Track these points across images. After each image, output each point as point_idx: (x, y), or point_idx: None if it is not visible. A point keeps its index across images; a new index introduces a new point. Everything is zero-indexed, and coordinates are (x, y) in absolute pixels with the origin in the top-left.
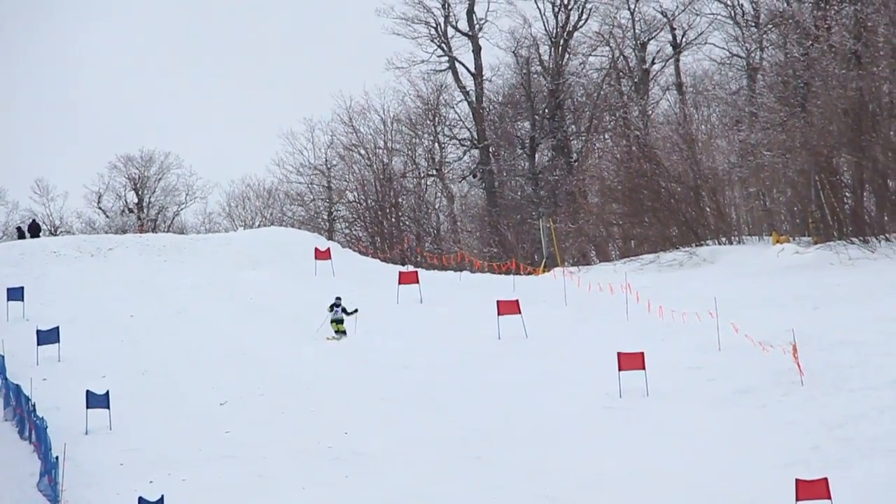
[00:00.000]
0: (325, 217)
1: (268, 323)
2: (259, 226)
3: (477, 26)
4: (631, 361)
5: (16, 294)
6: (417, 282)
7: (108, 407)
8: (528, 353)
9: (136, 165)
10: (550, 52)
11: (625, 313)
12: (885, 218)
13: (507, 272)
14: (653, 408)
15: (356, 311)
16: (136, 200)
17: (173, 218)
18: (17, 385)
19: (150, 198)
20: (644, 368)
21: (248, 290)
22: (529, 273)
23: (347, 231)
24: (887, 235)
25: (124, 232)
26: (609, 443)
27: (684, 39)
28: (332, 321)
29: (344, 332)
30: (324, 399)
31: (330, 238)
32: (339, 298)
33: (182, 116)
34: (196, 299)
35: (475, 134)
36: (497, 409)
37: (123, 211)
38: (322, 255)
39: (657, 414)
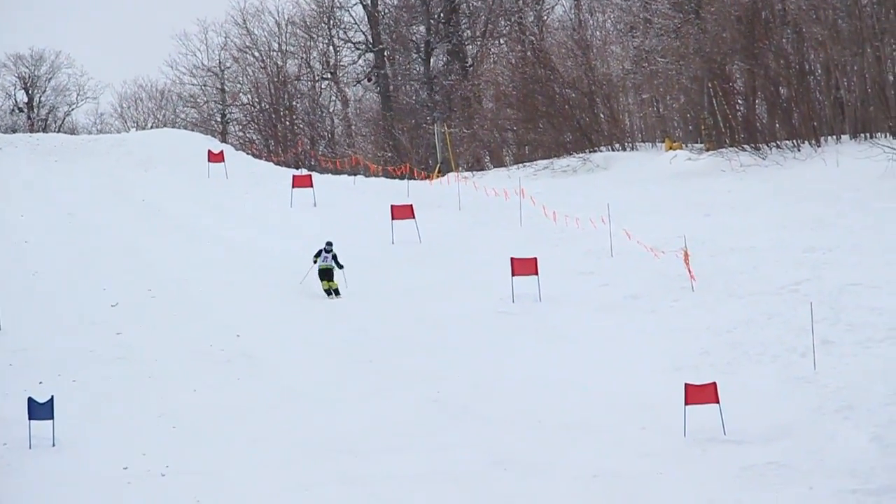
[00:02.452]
0: (219, 119)
1: (160, 225)
2: (152, 127)
3: None
4: (524, 266)
5: None
6: (311, 185)
7: None
8: (421, 258)
9: (25, 64)
10: None
11: (518, 219)
12: (777, 125)
13: (402, 177)
14: (545, 312)
15: (342, 266)
16: (25, 100)
17: (64, 118)
18: None
19: (40, 97)
20: (537, 273)
21: (140, 191)
22: (424, 178)
23: (241, 134)
24: (778, 143)
25: (14, 131)
26: (501, 347)
27: None
28: (319, 272)
29: (337, 292)
30: (216, 302)
31: (223, 141)
32: (329, 244)
33: (72, 15)
34: (87, 200)
35: (370, 38)
36: (389, 314)
37: (13, 110)
38: (215, 157)
39: (549, 319)
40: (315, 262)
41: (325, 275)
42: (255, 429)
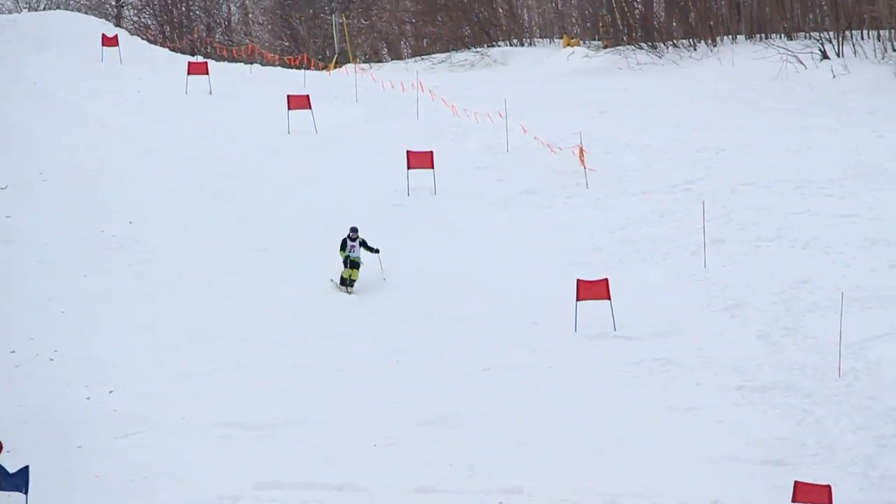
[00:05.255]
0: (113, 3)
1: (52, 108)
2: (44, 9)
3: None
4: (420, 160)
5: None
6: (207, 73)
7: None
8: (317, 149)
9: None
10: None
11: (415, 112)
12: (674, 24)
13: (299, 67)
14: (440, 206)
15: (378, 251)
16: None
17: None
18: None
19: None
20: (433, 167)
21: (32, 74)
22: (321, 69)
23: (136, 19)
24: (675, 41)
25: None
26: (395, 240)
27: None
28: (345, 261)
29: (352, 283)
30: (108, 187)
31: (118, 25)
32: (354, 230)
33: None
34: None
35: None
36: (284, 204)
37: None
38: (109, 41)
39: (444, 212)
40: (342, 254)
41: (351, 267)
42: (146, 315)
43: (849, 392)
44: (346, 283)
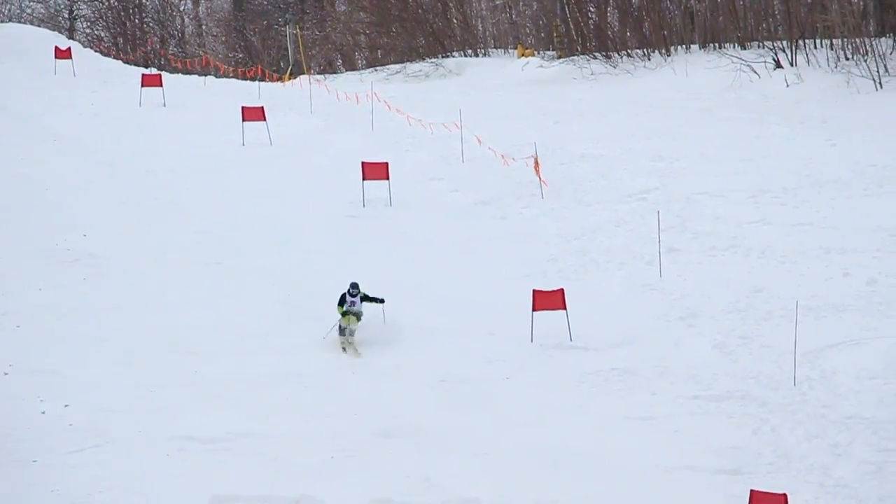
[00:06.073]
0: (66, 16)
1: (4, 120)
2: None
3: None
4: (375, 171)
5: None
6: (161, 85)
7: None
8: (272, 161)
9: None
10: None
11: (370, 123)
12: (628, 33)
13: (253, 78)
14: (395, 217)
15: (383, 300)
16: None
17: None
18: None
19: None
20: (388, 178)
21: None
22: (276, 80)
23: (89, 31)
24: (629, 51)
25: None
26: (351, 251)
27: None
28: (344, 316)
29: (352, 333)
30: (61, 200)
31: (71, 37)
32: (354, 286)
33: None
34: None
35: None
36: (239, 216)
37: None
38: (62, 54)
39: (400, 223)
40: (340, 311)
41: (351, 316)
42: (101, 328)
43: (804, 401)
44: (345, 332)
